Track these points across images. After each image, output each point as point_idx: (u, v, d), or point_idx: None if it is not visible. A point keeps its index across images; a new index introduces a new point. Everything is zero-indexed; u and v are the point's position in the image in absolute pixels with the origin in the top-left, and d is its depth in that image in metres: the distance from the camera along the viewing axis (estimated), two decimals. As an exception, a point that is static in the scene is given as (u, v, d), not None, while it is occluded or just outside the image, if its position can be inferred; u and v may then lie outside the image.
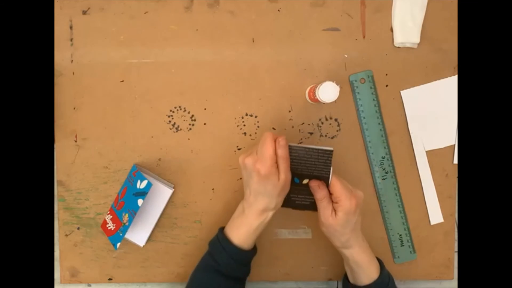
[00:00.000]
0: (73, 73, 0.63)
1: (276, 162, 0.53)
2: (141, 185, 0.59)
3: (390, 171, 0.65)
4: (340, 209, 0.53)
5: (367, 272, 0.56)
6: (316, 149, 0.54)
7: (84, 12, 0.63)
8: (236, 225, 0.57)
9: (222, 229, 0.58)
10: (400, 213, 0.65)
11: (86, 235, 0.65)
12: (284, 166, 0.53)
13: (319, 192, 0.55)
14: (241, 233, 0.56)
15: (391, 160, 0.64)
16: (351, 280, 0.59)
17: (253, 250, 0.58)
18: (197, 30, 0.63)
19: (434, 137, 0.64)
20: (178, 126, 0.64)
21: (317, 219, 0.56)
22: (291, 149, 0.55)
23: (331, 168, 0.55)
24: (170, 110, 0.64)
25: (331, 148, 0.54)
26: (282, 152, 0.53)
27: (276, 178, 0.53)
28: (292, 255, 0.66)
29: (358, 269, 0.56)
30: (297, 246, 0.66)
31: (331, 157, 0.54)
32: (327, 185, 0.55)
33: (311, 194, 0.56)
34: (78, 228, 0.65)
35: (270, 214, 0.56)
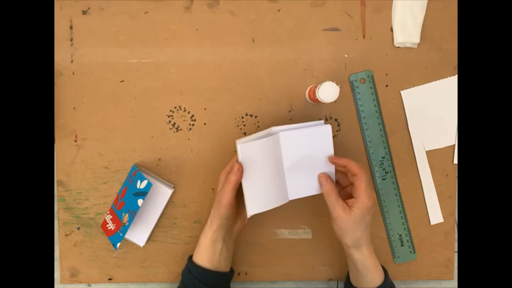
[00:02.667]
0: (73, 73, 0.63)
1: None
2: (141, 185, 0.59)
3: (390, 171, 0.64)
4: (357, 205, 0.52)
5: (372, 276, 0.55)
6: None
7: (84, 12, 0.63)
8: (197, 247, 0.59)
9: (191, 256, 0.59)
10: (400, 213, 0.65)
11: (86, 235, 0.65)
12: (225, 185, 0.54)
13: (325, 185, 0.54)
14: (200, 255, 0.57)
15: (391, 160, 0.64)
16: (354, 283, 0.58)
17: (223, 273, 0.57)
18: (197, 30, 0.63)
19: (434, 137, 0.64)
20: (178, 126, 0.64)
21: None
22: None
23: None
24: (170, 110, 0.64)
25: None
26: (229, 176, 0.54)
27: (218, 188, 0.57)
28: (292, 255, 0.66)
29: (365, 272, 0.55)
30: (297, 246, 0.66)
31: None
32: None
33: None
34: (78, 228, 0.65)
35: (207, 231, 0.56)
